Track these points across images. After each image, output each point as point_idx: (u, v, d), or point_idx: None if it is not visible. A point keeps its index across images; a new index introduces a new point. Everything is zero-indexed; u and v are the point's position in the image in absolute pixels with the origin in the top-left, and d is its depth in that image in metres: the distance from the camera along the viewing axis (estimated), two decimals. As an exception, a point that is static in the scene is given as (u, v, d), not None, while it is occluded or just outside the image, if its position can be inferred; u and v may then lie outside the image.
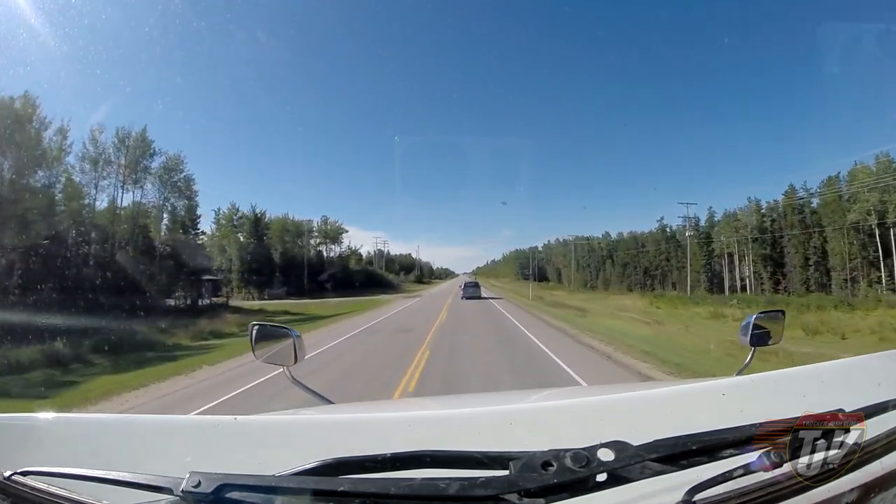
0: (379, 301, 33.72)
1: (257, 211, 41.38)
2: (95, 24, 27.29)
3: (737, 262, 36.61)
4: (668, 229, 41.97)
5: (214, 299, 31.97)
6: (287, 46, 45.87)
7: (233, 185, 68.51)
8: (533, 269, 58.35)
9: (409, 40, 55.59)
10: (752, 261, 35.15)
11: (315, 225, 48.68)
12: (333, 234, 50.12)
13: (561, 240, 60.96)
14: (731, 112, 52.32)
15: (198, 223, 32.24)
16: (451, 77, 58.37)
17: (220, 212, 40.58)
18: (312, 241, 47.65)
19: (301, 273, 42.50)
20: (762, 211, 35.23)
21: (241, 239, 40.37)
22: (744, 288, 36.00)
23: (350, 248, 52.79)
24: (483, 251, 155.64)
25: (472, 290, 32.59)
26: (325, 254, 49.40)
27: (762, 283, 34.41)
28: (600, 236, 51.74)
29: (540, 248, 66.23)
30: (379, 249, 63.56)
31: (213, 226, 39.11)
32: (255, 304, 33.69)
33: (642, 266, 44.05)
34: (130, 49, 32.24)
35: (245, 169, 59.50)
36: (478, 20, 52.92)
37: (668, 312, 27.94)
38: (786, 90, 44.46)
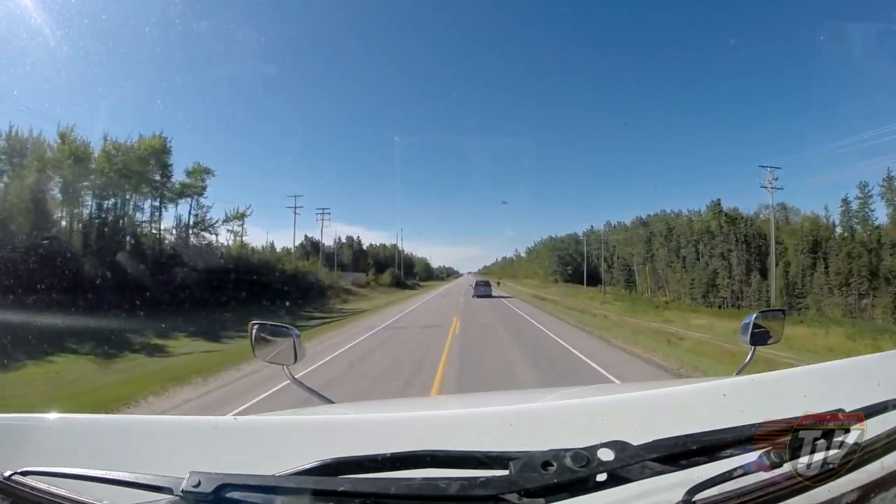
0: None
1: None
2: (95, 24, 27.29)
3: None
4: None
5: None
6: (288, 45, 45.94)
7: (230, 187, 67.56)
8: (597, 264, 40.49)
9: (410, 39, 55.66)
10: None
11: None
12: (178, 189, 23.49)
13: (620, 223, 40.65)
14: (733, 111, 52.19)
15: None
16: (452, 76, 58.42)
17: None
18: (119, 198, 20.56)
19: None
20: None
21: None
22: None
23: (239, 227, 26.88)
24: (487, 251, 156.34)
25: (482, 289, 32.96)
26: (154, 231, 22.89)
27: None
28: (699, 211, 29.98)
29: (580, 236, 46.08)
30: (353, 238, 42.54)
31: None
32: None
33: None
34: (130, 48, 32.26)
35: (238, 171, 58.46)
36: (478, 20, 52.99)
37: None
38: (789, 87, 44.20)
